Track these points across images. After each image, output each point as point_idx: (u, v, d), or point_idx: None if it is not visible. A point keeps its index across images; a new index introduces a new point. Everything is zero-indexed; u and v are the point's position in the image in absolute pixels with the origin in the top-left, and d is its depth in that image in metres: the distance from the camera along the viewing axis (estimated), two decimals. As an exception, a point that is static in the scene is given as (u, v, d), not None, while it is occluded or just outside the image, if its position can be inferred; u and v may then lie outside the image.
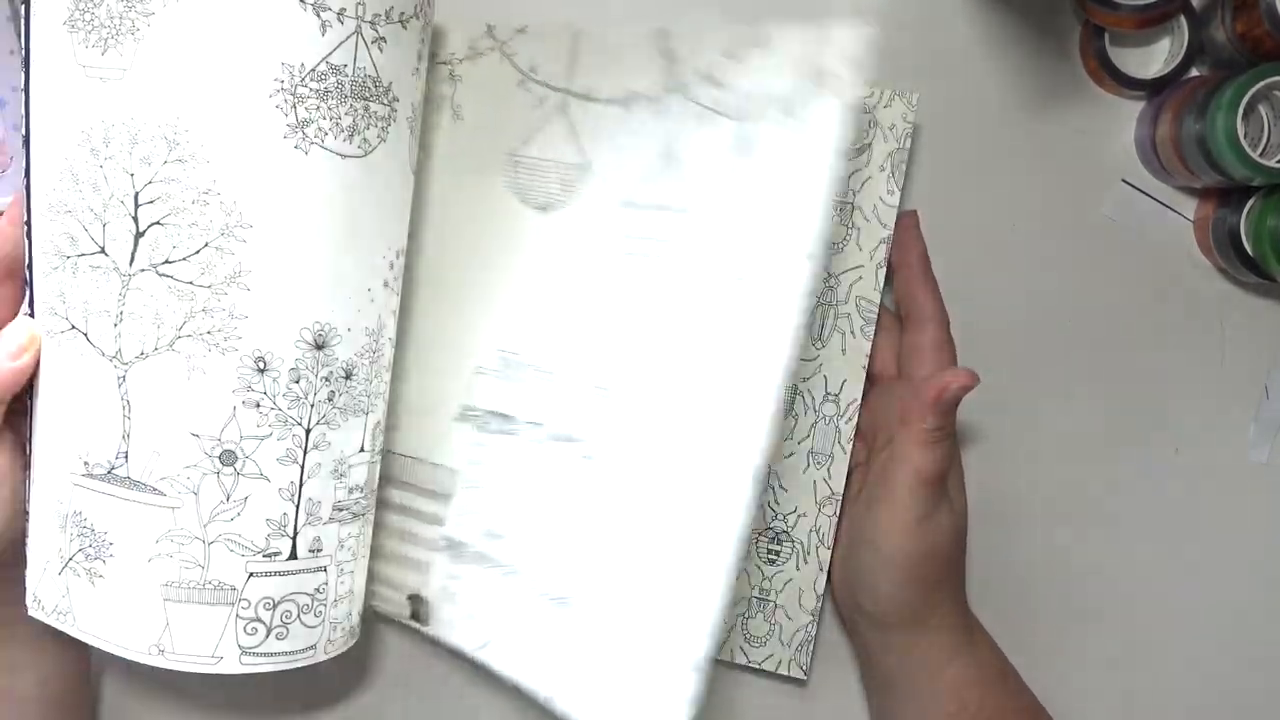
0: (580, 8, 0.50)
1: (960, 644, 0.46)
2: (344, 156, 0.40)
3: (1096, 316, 0.52)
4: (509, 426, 0.46)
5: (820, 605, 0.49)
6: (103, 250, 0.39)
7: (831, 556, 0.48)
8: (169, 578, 0.39)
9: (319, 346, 0.40)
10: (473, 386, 0.47)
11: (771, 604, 0.49)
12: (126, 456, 0.39)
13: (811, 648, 0.49)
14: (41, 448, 0.41)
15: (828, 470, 0.49)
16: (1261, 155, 0.45)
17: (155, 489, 0.39)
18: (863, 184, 0.48)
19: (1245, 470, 0.52)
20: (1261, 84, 0.45)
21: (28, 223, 0.41)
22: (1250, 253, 0.48)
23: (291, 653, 0.42)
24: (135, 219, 0.38)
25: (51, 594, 0.41)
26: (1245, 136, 0.45)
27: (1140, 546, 0.52)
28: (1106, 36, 0.50)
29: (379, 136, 0.41)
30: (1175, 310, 0.52)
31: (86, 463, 0.39)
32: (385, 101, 0.41)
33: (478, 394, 0.47)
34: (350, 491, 0.43)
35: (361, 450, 0.43)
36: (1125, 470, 0.52)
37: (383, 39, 0.40)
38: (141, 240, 0.38)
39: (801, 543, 0.49)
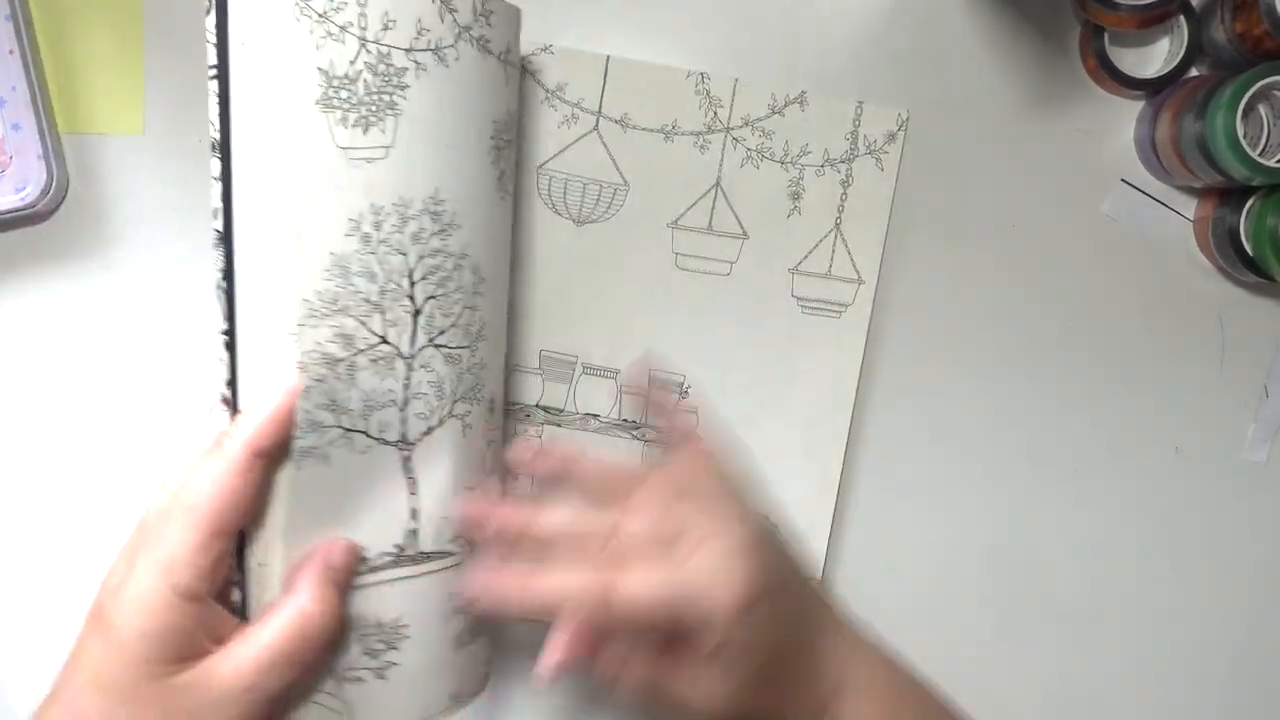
0: (595, 18, 0.51)
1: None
2: (509, 198, 0.43)
3: (1096, 316, 0.52)
4: (557, 418, 0.49)
5: None
6: (384, 340, 0.37)
7: None
8: (460, 628, 0.40)
9: (506, 379, 0.42)
10: (508, 384, 0.49)
11: None
12: (415, 534, 0.39)
13: None
14: (270, 582, 0.37)
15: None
16: (1261, 155, 0.45)
17: (446, 551, 0.39)
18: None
19: (1245, 470, 0.52)
20: (1261, 84, 0.45)
21: (229, 331, 0.35)
22: (1250, 252, 0.48)
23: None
24: (412, 298, 0.37)
25: None
26: (1245, 136, 0.45)
27: (1140, 546, 0.52)
28: (1106, 36, 0.50)
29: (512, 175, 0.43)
30: (1175, 310, 0.52)
31: (366, 559, 0.38)
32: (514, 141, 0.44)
33: (512, 390, 0.50)
34: None
35: None
36: (1125, 470, 0.52)
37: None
38: (419, 318, 0.38)
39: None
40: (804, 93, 0.49)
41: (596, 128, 0.49)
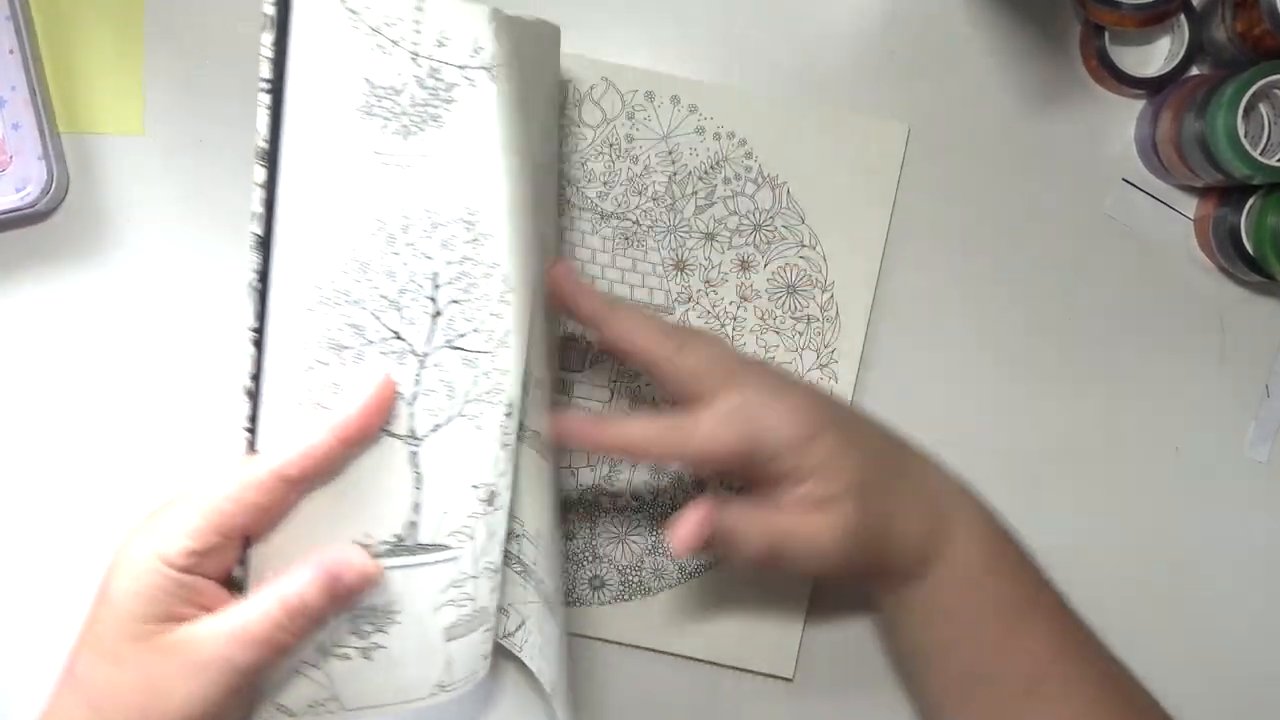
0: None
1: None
2: (544, 210, 0.43)
3: (1096, 316, 0.52)
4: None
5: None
6: (397, 335, 0.38)
7: None
8: (452, 620, 0.41)
9: (530, 386, 0.42)
10: None
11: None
12: (415, 526, 0.39)
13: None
14: (271, 559, 0.38)
15: None
16: (1262, 154, 0.45)
17: (443, 545, 0.40)
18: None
19: (1245, 470, 0.52)
20: (1262, 82, 0.45)
21: (258, 329, 0.37)
22: (1250, 251, 0.48)
23: (495, 646, 0.44)
24: (434, 300, 0.38)
25: (302, 695, 0.40)
26: (1245, 135, 0.45)
27: (1140, 546, 0.52)
28: (1106, 35, 0.50)
29: None
30: (1175, 309, 0.52)
31: (367, 546, 0.39)
32: None
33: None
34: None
35: None
36: (1125, 470, 0.52)
37: None
38: (439, 319, 0.39)
39: None
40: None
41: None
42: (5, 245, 0.50)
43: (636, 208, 0.50)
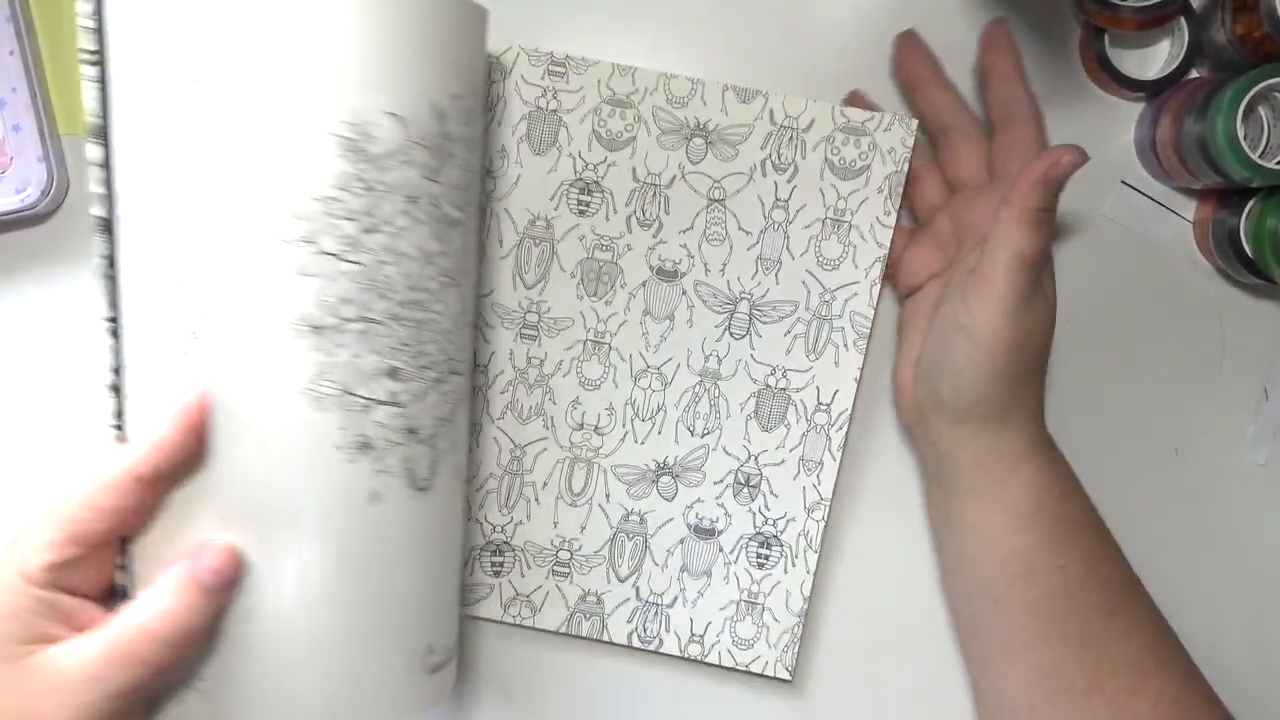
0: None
1: (1036, 444, 0.46)
2: None
3: (1096, 316, 0.52)
4: None
5: (806, 607, 0.49)
6: None
7: (899, 354, 0.50)
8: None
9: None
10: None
11: (760, 607, 0.49)
12: None
13: (797, 649, 0.49)
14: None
15: (817, 477, 0.49)
16: (1261, 157, 0.45)
17: None
18: (860, 204, 0.49)
19: (1245, 470, 0.52)
20: (1261, 85, 0.45)
21: (113, 318, 0.37)
22: (1250, 254, 0.48)
23: None
24: None
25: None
26: (1245, 138, 0.45)
27: (1140, 547, 0.52)
28: (1106, 38, 0.50)
29: None
30: (1175, 311, 0.52)
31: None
32: None
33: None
34: None
35: None
36: (1125, 470, 0.52)
37: None
38: None
39: (790, 547, 0.49)
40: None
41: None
42: (5, 247, 0.50)
43: None
